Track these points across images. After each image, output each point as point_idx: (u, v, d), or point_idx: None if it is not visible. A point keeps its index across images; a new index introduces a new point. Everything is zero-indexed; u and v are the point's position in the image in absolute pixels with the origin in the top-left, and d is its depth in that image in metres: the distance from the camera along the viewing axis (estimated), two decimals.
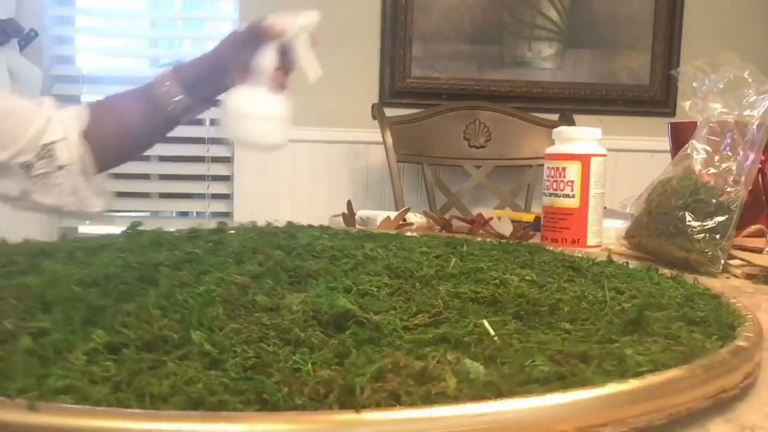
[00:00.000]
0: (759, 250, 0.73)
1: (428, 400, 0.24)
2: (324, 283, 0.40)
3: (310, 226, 0.66)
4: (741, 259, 0.71)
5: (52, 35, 2.05)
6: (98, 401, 0.24)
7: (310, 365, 0.27)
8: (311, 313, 0.34)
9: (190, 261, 0.46)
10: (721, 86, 0.74)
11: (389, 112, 1.86)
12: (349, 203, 0.98)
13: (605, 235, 0.81)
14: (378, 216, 0.98)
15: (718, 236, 0.67)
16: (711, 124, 0.73)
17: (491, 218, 0.93)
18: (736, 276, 0.68)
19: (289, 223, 0.66)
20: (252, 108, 0.73)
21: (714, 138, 0.73)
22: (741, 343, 0.33)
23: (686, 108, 0.76)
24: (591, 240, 0.79)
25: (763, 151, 0.72)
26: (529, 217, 1.03)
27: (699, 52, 0.85)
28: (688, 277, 0.51)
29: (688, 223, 0.68)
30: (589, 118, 1.94)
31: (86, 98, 2.03)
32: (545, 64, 2.03)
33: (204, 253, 0.49)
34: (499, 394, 0.25)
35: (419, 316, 0.35)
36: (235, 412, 0.24)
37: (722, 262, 0.67)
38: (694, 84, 0.75)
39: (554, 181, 0.80)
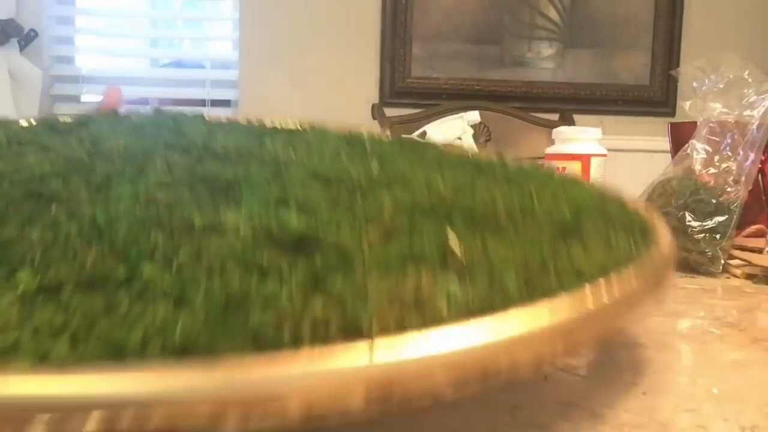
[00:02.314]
0: (759, 250, 0.73)
1: (426, 326, 0.23)
2: (252, 195, 0.33)
3: (183, 115, 0.52)
4: (741, 259, 0.71)
5: (52, 35, 2.05)
6: (61, 360, 0.20)
7: (284, 293, 0.24)
8: (263, 234, 0.28)
9: (78, 170, 0.36)
10: (721, 86, 0.74)
11: (389, 112, 1.86)
12: None
13: None
14: None
15: (718, 236, 0.67)
16: (711, 124, 0.73)
17: None
18: (736, 276, 0.68)
19: (157, 110, 0.54)
20: None
21: (714, 138, 0.73)
22: (662, 243, 0.35)
23: (686, 108, 0.76)
24: None
25: (763, 151, 0.72)
26: None
27: (699, 52, 0.85)
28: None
29: (688, 223, 0.68)
30: (589, 118, 1.94)
31: (86, 98, 2.03)
32: (545, 64, 2.03)
33: (88, 157, 0.38)
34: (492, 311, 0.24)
35: (371, 232, 0.30)
36: (233, 359, 0.20)
37: (722, 262, 0.67)
38: (694, 84, 0.75)
39: None
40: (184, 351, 0.21)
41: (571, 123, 1.84)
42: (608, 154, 0.81)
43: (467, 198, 0.36)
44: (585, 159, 0.79)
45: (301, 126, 0.53)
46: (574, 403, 0.32)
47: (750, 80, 0.72)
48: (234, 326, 0.22)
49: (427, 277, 0.26)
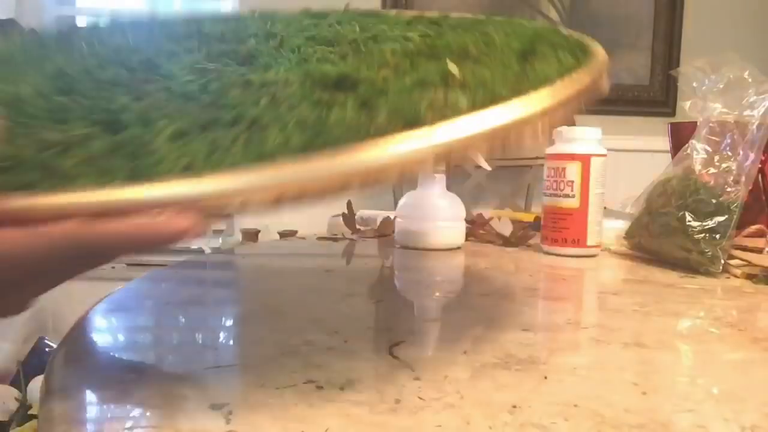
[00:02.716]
0: (759, 250, 0.73)
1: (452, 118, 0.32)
2: (277, 60, 0.41)
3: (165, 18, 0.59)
4: (741, 259, 0.71)
5: None
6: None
7: (355, 114, 0.33)
8: (310, 82, 0.36)
9: (138, 65, 0.42)
10: (721, 86, 0.74)
11: None
12: (349, 203, 0.98)
13: (605, 235, 0.81)
14: (378, 216, 0.98)
15: (718, 236, 0.67)
16: (711, 124, 0.73)
17: (491, 218, 0.93)
18: (736, 276, 0.68)
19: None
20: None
21: (714, 138, 0.73)
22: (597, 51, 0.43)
23: (686, 108, 0.76)
24: (591, 240, 0.79)
25: (763, 151, 0.72)
26: (529, 217, 1.03)
27: (699, 52, 0.85)
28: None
29: (688, 223, 0.68)
30: (589, 118, 1.94)
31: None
32: None
33: (130, 50, 0.45)
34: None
35: (384, 70, 0.39)
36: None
37: (722, 262, 0.67)
38: (694, 84, 0.75)
39: (554, 181, 0.80)
40: (273, 156, 0.29)
41: (571, 123, 1.84)
42: (608, 154, 0.81)
43: (443, 42, 0.44)
44: (585, 159, 0.79)
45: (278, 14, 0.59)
46: (574, 403, 0.32)
47: (750, 80, 0.72)
48: (323, 139, 0.30)
49: (443, 91, 0.35)
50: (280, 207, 0.28)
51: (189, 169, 0.29)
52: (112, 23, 0.55)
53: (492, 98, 0.34)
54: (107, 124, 0.32)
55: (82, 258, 0.29)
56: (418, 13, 0.57)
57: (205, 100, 0.35)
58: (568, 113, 0.36)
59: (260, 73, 0.38)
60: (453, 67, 0.38)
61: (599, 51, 0.43)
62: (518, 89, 0.35)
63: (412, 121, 0.32)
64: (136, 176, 0.28)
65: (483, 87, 0.36)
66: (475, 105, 0.34)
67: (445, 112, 0.33)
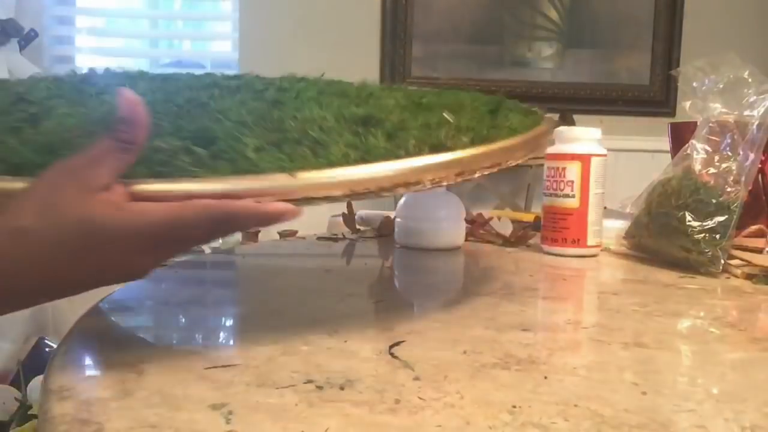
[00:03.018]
0: (759, 250, 0.73)
1: (461, 147, 0.45)
2: (303, 104, 0.48)
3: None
4: (741, 259, 0.71)
5: (52, 35, 2.05)
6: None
7: (388, 140, 0.44)
8: (343, 119, 0.45)
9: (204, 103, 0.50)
10: (721, 86, 0.74)
11: None
12: (349, 203, 0.97)
13: (605, 235, 0.81)
14: (378, 216, 0.98)
15: (718, 236, 0.67)
16: (711, 124, 0.73)
17: (491, 218, 0.93)
18: (736, 276, 0.68)
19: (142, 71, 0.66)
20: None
21: (714, 138, 0.73)
22: (546, 117, 0.59)
23: (686, 108, 0.76)
24: (591, 240, 0.79)
25: (763, 151, 0.72)
26: (529, 217, 1.03)
27: (699, 52, 0.85)
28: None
29: (688, 223, 0.68)
30: (589, 118, 1.94)
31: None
32: (545, 64, 2.03)
33: (162, 94, 0.52)
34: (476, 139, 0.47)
35: (392, 115, 0.48)
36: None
37: (722, 262, 0.67)
38: (694, 84, 0.75)
39: (554, 181, 0.80)
40: (339, 164, 0.40)
41: (572, 123, 1.84)
42: (608, 154, 0.81)
43: (427, 101, 0.55)
44: (585, 159, 0.79)
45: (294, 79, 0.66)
46: (574, 403, 0.32)
47: (750, 80, 0.72)
48: (368, 155, 0.42)
49: (446, 131, 0.46)
50: (351, 198, 0.41)
51: (281, 171, 0.38)
52: (121, 75, 0.62)
53: (481, 136, 0.47)
54: (195, 139, 0.40)
55: (212, 226, 0.37)
56: (385, 86, 0.67)
57: (268, 126, 0.43)
58: (534, 148, 0.52)
59: (298, 111, 0.46)
60: (449, 115, 0.49)
61: (540, 112, 0.60)
62: (497, 134, 0.49)
63: (436, 146, 0.44)
64: (240, 174, 0.38)
65: (472, 130, 0.48)
66: (473, 140, 0.46)
67: (457, 142, 0.45)
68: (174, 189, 0.37)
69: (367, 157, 0.41)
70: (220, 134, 0.41)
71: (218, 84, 0.57)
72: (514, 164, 0.50)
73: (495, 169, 0.48)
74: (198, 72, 0.66)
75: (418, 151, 0.43)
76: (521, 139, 0.50)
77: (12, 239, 0.35)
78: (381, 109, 0.49)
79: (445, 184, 0.45)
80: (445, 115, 0.49)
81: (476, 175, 0.47)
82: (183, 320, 0.49)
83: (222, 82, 0.58)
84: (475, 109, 0.55)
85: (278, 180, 0.38)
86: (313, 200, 0.39)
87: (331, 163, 0.40)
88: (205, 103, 0.48)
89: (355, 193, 0.40)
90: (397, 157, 0.42)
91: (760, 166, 0.75)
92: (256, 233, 1.90)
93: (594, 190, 0.79)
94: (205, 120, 0.43)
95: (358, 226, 0.98)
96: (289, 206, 0.38)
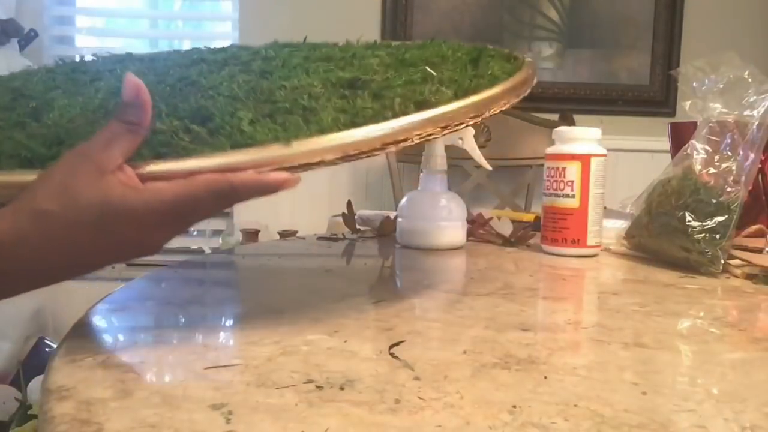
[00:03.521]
0: (759, 250, 0.73)
1: (446, 102, 0.47)
2: (290, 72, 0.50)
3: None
4: (741, 259, 0.71)
5: (52, 35, 2.05)
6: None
7: (375, 99, 0.46)
8: (330, 84, 0.47)
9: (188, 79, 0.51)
10: (721, 86, 0.74)
11: None
12: (349, 203, 0.98)
13: (605, 235, 0.81)
14: (378, 216, 0.98)
15: (718, 236, 0.67)
16: (711, 124, 0.73)
17: (491, 218, 0.93)
18: (736, 276, 0.68)
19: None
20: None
21: (714, 138, 0.73)
22: (527, 61, 0.58)
23: (686, 108, 0.76)
24: (591, 240, 0.79)
25: (763, 151, 0.72)
26: (529, 217, 1.03)
27: (699, 52, 0.85)
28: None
29: (688, 223, 0.68)
30: (589, 118, 1.94)
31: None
32: (545, 64, 2.03)
33: (155, 74, 0.53)
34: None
35: (377, 75, 0.50)
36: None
37: (722, 262, 0.67)
38: (694, 84, 0.75)
39: (554, 181, 0.80)
40: (330, 129, 0.42)
41: (571, 123, 1.84)
42: (608, 154, 0.81)
43: (409, 56, 0.56)
44: (585, 159, 0.79)
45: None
46: (574, 403, 0.32)
47: (750, 80, 0.72)
48: (358, 118, 0.43)
49: (433, 86, 0.48)
50: (345, 160, 0.42)
51: (276, 141, 0.40)
52: (112, 59, 0.65)
53: (464, 88, 0.48)
54: (191, 118, 0.42)
55: (218, 199, 0.39)
56: (371, 42, 0.69)
57: (259, 98, 0.45)
58: (517, 95, 0.53)
59: (286, 80, 0.48)
60: (430, 71, 0.51)
61: (525, 58, 0.59)
62: (479, 83, 0.50)
63: (420, 103, 0.45)
64: (238, 147, 0.40)
65: (455, 82, 0.49)
66: (456, 93, 0.48)
67: (441, 96, 0.47)
68: (179, 168, 0.39)
69: (356, 120, 0.43)
70: (216, 111, 0.43)
71: (205, 59, 0.57)
72: (497, 112, 0.51)
73: (478, 120, 0.49)
74: (184, 49, 0.67)
75: (404, 109, 0.44)
76: (503, 88, 0.51)
77: (34, 222, 0.37)
78: (366, 70, 0.51)
79: (433, 137, 0.46)
80: (427, 69, 0.51)
81: (461, 127, 0.48)
82: (183, 320, 0.49)
83: (209, 57, 0.59)
84: (457, 60, 0.56)
85: (274, 150, 0.40)
86: (310, 165, 0.41)
87: (323, 129, 0.42)
88: (196, 81, 0.49)
89: (348, 155, 0.42)
90: (385, 117, 0.43)
91: (760, 166, 0.75)
92: (256, 233, 1.90)
93: (594, 190, 0.79)
94: (199, 98, 0.45)
95: (358, 226, 0.98)
96: (287, 175, 0.40)
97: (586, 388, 0.35)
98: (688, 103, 0.76)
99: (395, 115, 0.44)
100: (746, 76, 0.72)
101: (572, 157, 0.79)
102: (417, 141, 0.45)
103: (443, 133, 0.46)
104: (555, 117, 1.91)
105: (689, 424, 0.31)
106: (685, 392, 0.35)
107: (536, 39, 2.02)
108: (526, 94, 0.54)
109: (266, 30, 1.98)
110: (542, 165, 0.84)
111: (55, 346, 1.26)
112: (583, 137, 0.81)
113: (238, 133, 0.41)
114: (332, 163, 0.42)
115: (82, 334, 0.44)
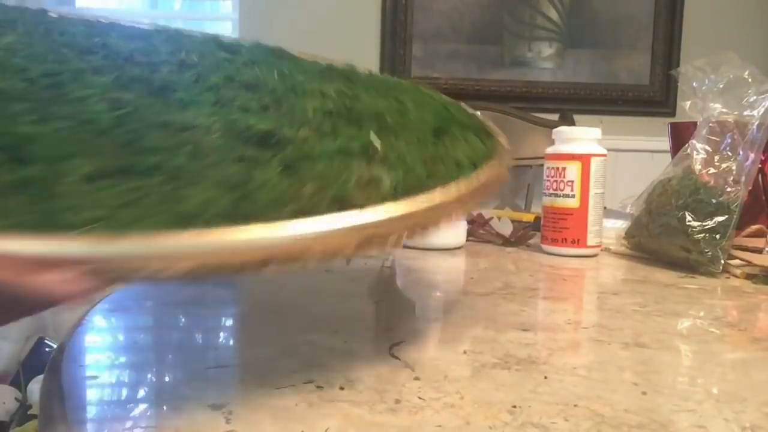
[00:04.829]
0: (759, 250, 0.73)
1: (377, 200, 0.32)
2: (195, 97, 0.39)
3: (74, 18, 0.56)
4: (741, 259, 0.71)
5: None
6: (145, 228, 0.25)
7: (277, 177, 0.31)
8: (233, 134, 0.35)
9: (53, 61, 0.39)
10: (721, 86, 0.74)
11: None
12: None
13: (605, 235, 0.81)
14: None
15: (718, 236, 0.67)
16: (711, 124, 0.73)
17: (491, 218, 0.93)
18: (736, 276, 0.68)
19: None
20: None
21: (714, 138, 0.73)
22: (501, 141, 0.46)
23: (686, 108, 0.76)
24: (591, 240, 0.79)
25: (763, 151, 0.72)
26: (529, 217, 1.03)
27: (699, 52, 0.85)
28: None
29: (688, 223, 0.68)
30: (589, 118, 1.94)
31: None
32: (545, 64, 2.03)
33: (30, 53, 0.41)
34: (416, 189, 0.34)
35: (306, 130, 0.38)
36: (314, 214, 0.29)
37: (722, 262, 0.67)
38: (694, 84, 0.75)
39: (554, 181, 0.80)
40: (248, 217, 0.27)
41: (571, 123, 1.84)
42: (608, 154, 0.81)
43: (361, 105, 0.44)
44: (585, 159, 0.79)
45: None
46: (574, 403, 0.32)
47: (750, 80, 0.72)
48: (246, 202, 0.28)
49: (370, 167, 0.35)
50: (197, 278, 0.25)
51: (101, 221, 0.25)
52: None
53: (412, 179, 0.35)
54: (12, 149, 0.27)
55: None
56: (329, 64, 0.59)
57: (121, 138, 0.31)
58: (480, 200, 0.38)
59: (179, 112, 0.36)
60: (375, 139, 0.39)
61: (501, 137, 0.47)
62: (434, 172, 0.37)
63: (340, 198, 0.31)
64: (41, 223, 0.24)
65: (403, 164, 0.37)
66: (397, 185, 0.34)
67: (370, 191, 0.33)
68: None
69: (241, 207, 0.28)
70: (43, 145, 0.29)
71: (107, 46, 0.45)
72: (443, 223, 0.36)
73: (413, 235, 0.33)
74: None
75: (314, 203, 0.30)
76: (461, 190, 0.36)
77: None
78: (292, 119, 0.38)
79: (339, 255, 0.30)
80: (372, 135, 0.39)
81: (385, 242, 0.32)
82: (183, 320, 0.49)
83: (115, 44, 0.46)
84: (419, 123, 0.44)
85: (92, 244, 0.24)
86: (136, 274, 0.24)
87: (182, 218, 0.26)
88: (62, 83, 0.37)
89: (191, 275, 0.25)
90: (281, 212, 0.28)
91: (760, 166, 0.75)
92: None
93: (594, 190, 0.79)
94: (38, 112, 0.32)
95: None
96: (81, 285, 0.24)
97: (586, 388, 0.35)
98: (688, 103, 0.76)
99: (298, 211, 0.29)
100: (746, 76, 0.72)
101: (572, 157, 0.79)
102: (312, 262, 0.29)
103: (359, 250, 0.30)
104: (555, 117, 1.91)
105: (689, 424, 0.31)
106: (685, 392, 0.35)
107: (536, 39, 2.02)
108: (487, 198, 0.40)
109: (266, 30, 1.98)
110: (542, 165, 0.84)
111: (55, 346, 1.26)
112: (583, 137, 0.81)
113: (51, 197, 0.25)
114: (179, 279, 0.25)
115: (81, 334, 0.44)
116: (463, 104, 0.53)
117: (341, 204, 0.30)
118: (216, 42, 0.52)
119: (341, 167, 0.34)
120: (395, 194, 0.33)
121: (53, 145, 0.29)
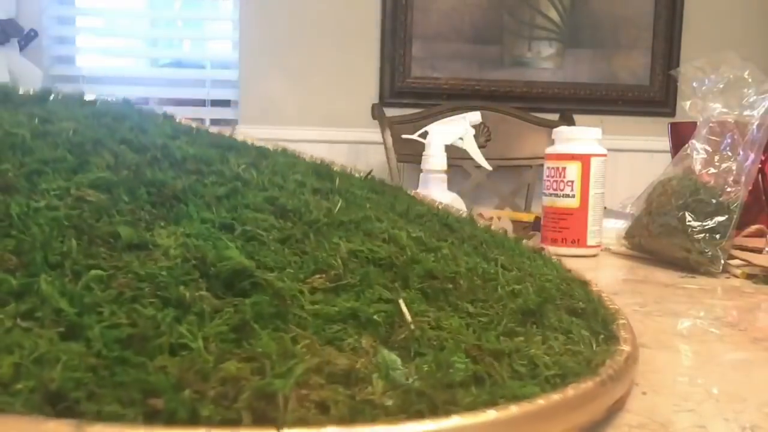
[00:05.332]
0: (759, 250, 0.73)
1: (355, 409, 0.21)
2: (197, 214, 0.31)
3: (150, 112, 0.49)
4: (741, 259, 0.71)
5: (52, 35, 2.05)
6: None
7: (200, 341, 0.21)
8: (193, 263, 0.26)
9: (12, 146, 0.32)
10: (721, 86, 0.74)
11: (389, 112, 1.86)
12: None
13: (605, 235, 0.81)
14: None
15: (718, 236, 0.67)
16: (711, 124, 0.73)
17: (491, 218, 0.93)
18: (736, 276, 0.68)
19: (125, 100, 0.51)
20: None
21: (714, 138, 0.73)
22: (625, 347, 0.33)
23: (686, 108, 0.76)
24: (591, 240, 0.79)
25: (763, 151, 0.72)
26: (529, 217, 1.03)
27: (699, 52, 0.85)
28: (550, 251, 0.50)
29: (688, 223, 0.68)
30: (589, 118, 1.94)
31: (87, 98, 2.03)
32: (545, 64, 2.03)
33: (31, 134, 0.34)
34: (429, 404, 0.22)
35: (318, 277, 0.28)
36: (112, 422, 0.18)
37: (722, 262, 0.67)
38: (694, 84, 0.75)
39: (554, 181, 0.80)
40: (57, 399, 0.18)
41: (571, 123, 1.85)
42: (608, 154, 0.81)
43: (428, 257, 0.33)
44: (585, 159, 0.79)
45: (273, 148, 0.49)
46: None
47: (750, 80, 0.72)
48: (126, 375, 0.19)
49: (368, 347, 0.24)
50: None
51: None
52: None
53: (433, 380, 0.23)
54: None
55: None
56: (444, 210, 0.44)
57: (18, 238, 0.25)
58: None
59: (141, 227, 0.28)
60: (405, 307, 0.28)
61: (627, 332, 0.34)
62: (481, 374, 0.25)
63: (268, 392, 0.20)
64: None
65: (436, 352, 0.25)
66: (402, 386, 0.23)
67: (337, 394, 0.21)
68: None
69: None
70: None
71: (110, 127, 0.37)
72: None
73: None
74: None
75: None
76: (488, 419, 0.22)
77: None
78: (307, 258, 0.29)
79: None
80: (400, 305, 0.27)
81: None
82: None
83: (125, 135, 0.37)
84: (505, 298, 0.32)
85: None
86: None
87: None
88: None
89: None
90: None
91: (760, 166, 0.75)
92: None
93: (594, 190, 0.79)
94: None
95: None
96: None
97: None
98: (688, 103, 0.76)
99: None
100: (746, 76, 0.72)
101: (572, 157, 0.79)
102: None
103: None
104: (555, 117, 1.91)
105: (689, 424, 0.31)
106: (685, 392, 0.35)
107: (536, 39, 2.02)
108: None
109: (266, 30, 1.98)
110: (542, 165, 0.84)
111: None
112: (583, 137, 0.81)
113: None
114: None
115: None
116: (591, 283, 0.41)
117: (259, 412, 0.20)
118: (316, 165, 0.42)
119: (321, 343, 0.24)
120: (386, 408, 0.21)
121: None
